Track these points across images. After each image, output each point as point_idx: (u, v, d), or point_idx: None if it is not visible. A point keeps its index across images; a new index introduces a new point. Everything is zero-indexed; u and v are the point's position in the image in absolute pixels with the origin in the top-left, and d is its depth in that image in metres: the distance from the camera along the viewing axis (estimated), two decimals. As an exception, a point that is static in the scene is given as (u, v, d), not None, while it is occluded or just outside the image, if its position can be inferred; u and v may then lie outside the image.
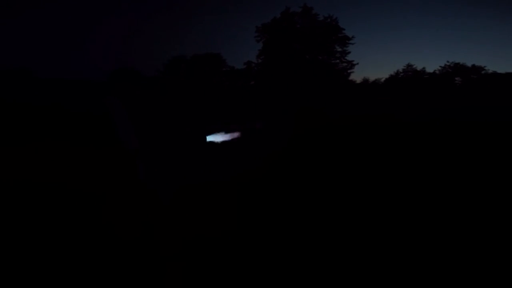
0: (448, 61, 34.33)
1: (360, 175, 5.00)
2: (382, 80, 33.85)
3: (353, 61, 29.57)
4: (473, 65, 33.88)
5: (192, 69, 37.45)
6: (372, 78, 34.36)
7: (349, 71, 30.45)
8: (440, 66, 34.55)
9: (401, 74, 33.41)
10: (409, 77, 33.57)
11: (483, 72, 34.37)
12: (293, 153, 6.80)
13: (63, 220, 3.38)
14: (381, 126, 12.11)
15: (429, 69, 35.38)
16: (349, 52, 29.25)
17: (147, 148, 2.47)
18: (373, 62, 77.51)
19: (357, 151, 7.04)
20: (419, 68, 33.77)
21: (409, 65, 33.22)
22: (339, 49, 28.82)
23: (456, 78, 34.65)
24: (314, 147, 7.59)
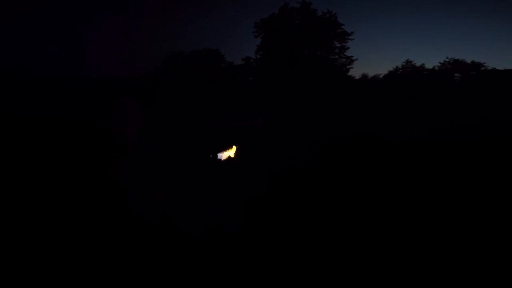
0: (447, 57, 34.12)
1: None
2: (381, 76, 33.74)
3: (352, 56, 29.47)
4: (473, 62, 33.82)
5: (190, 65, 37.25)
6: (371, 74, 34.22)
7: (348, 66, 30.35)
8: (440, 63, 34.44)
9: (400, 70, 33.31)
10: (408, 73, 33.45)
11: (482, 68, 34.30)
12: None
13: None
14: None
15: (428, 65, 35.19)
16: (348, 48, 29.15)
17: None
18: (372, 58, 77.47)
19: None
20: (418, 64, 33.65)
21: (408, 61, 33.14)
22: (338, 45, 28.72)
23: (456, 75, 34.57)
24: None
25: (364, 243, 3.44)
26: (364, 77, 32.14)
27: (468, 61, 33.86)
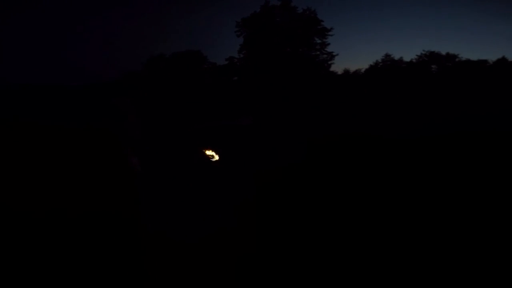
0: (424, 50, 35.20)
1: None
2: (362, 70, 34.47)
3: (332, 52, 29.94)
4: (448, 53, 35.03)
5: (172, 67, 36.91)
6: (352, 69, 34.89)
7: (329, 62, 30.81)
8: (417, 55, 35.49)
9: (380, 64, 34.12)
10: (388, 67, 34.31)
11: (457, 60, 35.56)
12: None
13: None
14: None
15: (407, 58, 36.21)
16: (329, 44, 29.60)
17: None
18: (352, 53, 78.85)
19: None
20: (396, 57, 34.58)
21: (387, 55, 34.01)
22: (319, 41, 29.12)
23: (432, 66, 35.70)
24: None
25: (349, 241, 3.48)
26: (346, 72, 32.74)
27: (443, 52, 35.05)
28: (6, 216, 4.10)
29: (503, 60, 36.15)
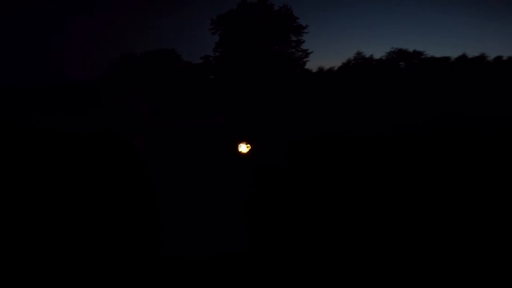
0: (393, 47, 36.65)
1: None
2: (336, 68, 35.24)
3: (307, 49, 30.34)
4: (414, 50, 36.70)
5: (143, 67, 35.64)
6: (326, 66, 35.63)
7: (304, 60, 31.20)
8: (386, 52, 36.87)
9: (353, 62, 35.06)
10: (360, 64, 35.32)
11: (422, 57, 37.37)
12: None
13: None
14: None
15: (377, 56, 37.56)
16: (304, 41, 29.96)
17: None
18: (326, 51, 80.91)
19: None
20: (367, 55, 35.68)
21: (358, 53, 35.02)
22: (294, 39, 29.38)
23: (401, 63, 37.24)
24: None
25: (320, 237, 3.78)
26: (321, 70, 33.29)
27: (411, 50, 36.68)
28: (7, 220, 4.09)
29: (463, 57, 38.55)
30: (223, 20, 28.19)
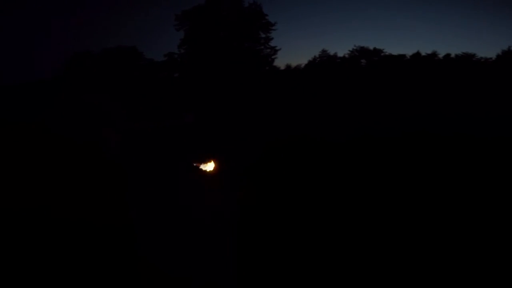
0: (355, 45, 37.96)
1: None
2: (303, 66, 35.67)
3: (276, 46, 30.26)
4: (375, 48, 38.33)
5: (102, 65, 33.29)
6: (293, 64, 35.96)
7: (272, 57, 31.11)
8: (349, 50, 38.08)
9: (318, 59, 35.70)
10: (325, 62, 36.08)
11: (382, 54, 39.15)
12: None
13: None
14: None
15: (340, 53, 38.71)
16: (272, 38, 29.83)
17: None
18: (293, 48, 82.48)
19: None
20: (332, 53, 36.57)
21: (324, 51, 35.71)
22: (263, 36, 29.13)
23: (362, 61, 38.68)
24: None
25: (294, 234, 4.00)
26: (288, 67, 33.47)
27: (371, 47, 38.26)
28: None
29: (417, 55, 41.05)
30: (188, 16, 27.09)
